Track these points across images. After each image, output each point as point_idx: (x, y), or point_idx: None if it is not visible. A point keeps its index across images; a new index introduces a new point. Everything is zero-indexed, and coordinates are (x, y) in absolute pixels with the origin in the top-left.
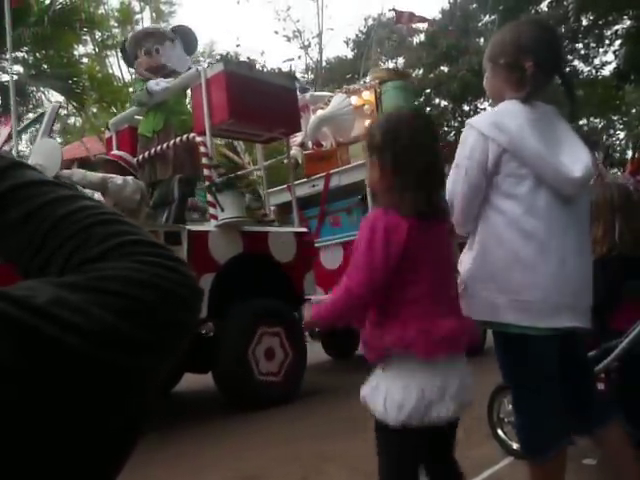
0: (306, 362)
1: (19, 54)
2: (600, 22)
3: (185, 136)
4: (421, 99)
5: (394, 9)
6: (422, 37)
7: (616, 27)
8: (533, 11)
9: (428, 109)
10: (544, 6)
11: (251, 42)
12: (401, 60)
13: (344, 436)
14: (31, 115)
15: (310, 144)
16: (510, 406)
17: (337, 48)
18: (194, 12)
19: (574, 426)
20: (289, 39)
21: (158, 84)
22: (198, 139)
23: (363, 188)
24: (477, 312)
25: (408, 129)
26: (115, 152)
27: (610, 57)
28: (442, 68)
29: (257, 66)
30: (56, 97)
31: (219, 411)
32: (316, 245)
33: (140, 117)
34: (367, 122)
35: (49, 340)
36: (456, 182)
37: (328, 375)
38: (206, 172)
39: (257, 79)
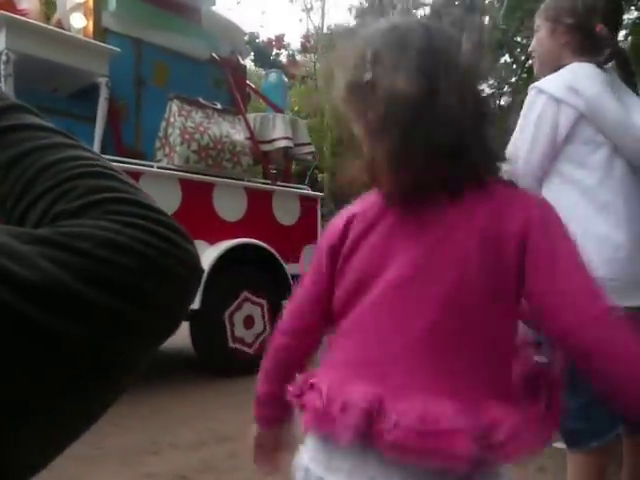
0: None
1: None
2: None
3: None
4: None
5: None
6: (427, 10)
7: (624, 17)
8: None
9: None
10: None
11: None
12: None
13: None
14: None
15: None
16: None
17: (340, 15)
18: None
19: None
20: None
21: None
22: None
23: None
24: None
25: None
26: None
27: None
28: None
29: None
30: None
31: (194, 371)
32: None
33: None
34: None
35: None
36: (519, 147)
37: None
38: None
39: None
